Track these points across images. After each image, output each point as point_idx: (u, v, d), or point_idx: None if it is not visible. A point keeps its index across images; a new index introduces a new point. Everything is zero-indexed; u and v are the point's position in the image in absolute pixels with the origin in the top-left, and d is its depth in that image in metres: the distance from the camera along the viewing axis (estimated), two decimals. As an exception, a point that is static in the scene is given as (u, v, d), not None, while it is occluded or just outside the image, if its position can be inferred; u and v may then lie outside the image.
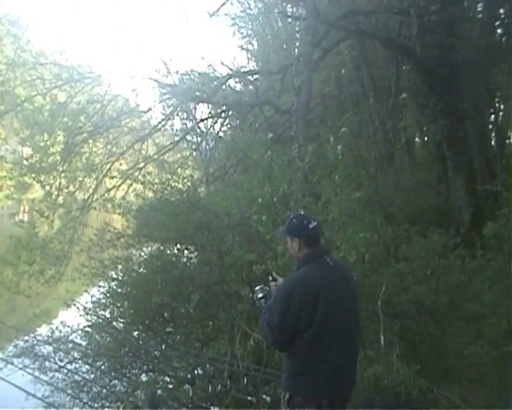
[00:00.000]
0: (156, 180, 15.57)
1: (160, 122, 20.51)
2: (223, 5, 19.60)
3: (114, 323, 12.83)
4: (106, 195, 18.06)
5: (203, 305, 11.30)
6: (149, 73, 25.60)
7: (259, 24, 28.23)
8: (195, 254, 12.91)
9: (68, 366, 11.60)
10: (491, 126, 19.30)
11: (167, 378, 11.32)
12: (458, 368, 8.64)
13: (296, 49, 22.01)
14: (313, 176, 12.24)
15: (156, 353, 11.93)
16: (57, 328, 12.75)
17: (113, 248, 13.74)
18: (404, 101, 18.22)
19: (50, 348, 12.24)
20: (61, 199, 18.23)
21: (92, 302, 13.01)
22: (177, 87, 21.67)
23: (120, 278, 13.17)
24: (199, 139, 23.17)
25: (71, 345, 12.26)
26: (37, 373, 10.99)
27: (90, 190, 18.34)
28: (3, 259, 15.96)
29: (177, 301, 11.82)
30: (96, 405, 10.71)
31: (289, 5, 21.75)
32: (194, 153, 23.52)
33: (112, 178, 18.43)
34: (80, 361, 11.85)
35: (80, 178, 18.81)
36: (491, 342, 8.06)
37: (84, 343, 12.52)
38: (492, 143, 19.21)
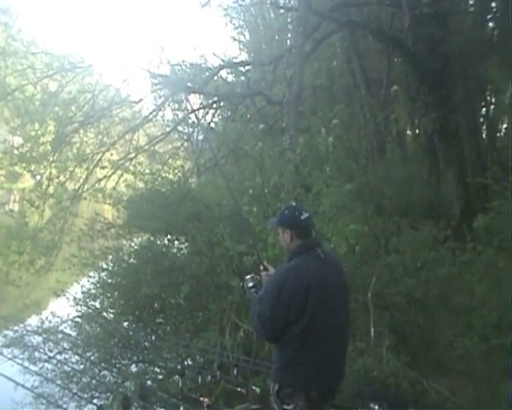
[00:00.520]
0: (147, 171, 15.49)
1: (151, 113, 20.44)
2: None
3: (104, 313, 12.84)
4: (96, 185, 18.04)
5: (193, 296, 11.31)
6: (141, 63, 25.52)
7: (251, 15, 28.22)
8: (186, 244, 12.92)
9: (58, 357, 11.59)
10: (482, 119, 19.33)
11: (157, 369, 11.35)
12: (448, 360, 8.67)
13: (288, 41, 21.92)
14: (304, 167, 12.21)
15: (146, 343, 11.95)
16: (47, 318, 12.78)
17: (104, 239, 13.76)
18: (395, 93, 18.22)
19: (40, 339, 12.26)
20: (51, 189, 18.22)
21: (82, 293, 13.02)
22: (168, 78, 21.60)
23: (110, 268, 13.18)
24: (190, 130, 23.11)
25: (60, 335, 12.27)
26: (26, 364, 10.93)
27: (81, 180, 18.30)
28: (-7, 249, 15.92)
29: (167, 292, 11.84)
30: (85, 395, 10.70)
31: (281, -4, 21.75)
32: (186, 144, 23.48)
33: (103, 168, 18.39)
34: (70, 352, 11.84)
35: (71, 168, 18.75)
36: (481, 334, 8.09)
37: (73, 334, 12.54)
38: (483, 135, 19.25)
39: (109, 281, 12.92)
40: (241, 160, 16.10)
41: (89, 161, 18.70)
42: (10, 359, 10.73)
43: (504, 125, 21.58)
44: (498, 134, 20.88)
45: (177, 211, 11.48)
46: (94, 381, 11.07)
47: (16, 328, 12.92)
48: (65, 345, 11.98)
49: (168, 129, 21.85)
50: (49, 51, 22.72)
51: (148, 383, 10.45)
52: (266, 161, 13.38)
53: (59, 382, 10.85)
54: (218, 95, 20.82)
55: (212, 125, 23.43)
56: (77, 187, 18.22)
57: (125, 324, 12.57)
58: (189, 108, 21.90)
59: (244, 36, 30.32)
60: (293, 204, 5.95)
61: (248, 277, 5.36)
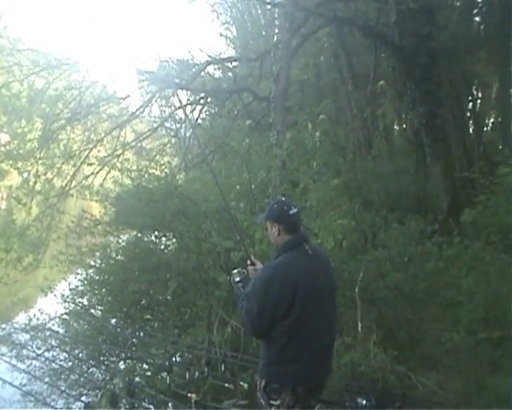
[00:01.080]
0: (134, 167, 15.49)
1: (138, 109, 20.45)
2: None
3: (92, 310, 12.86)
4: (84, 182, 18.01)
5: (181, 292, 11.32)
6: (128, 59, 25.50)
7: (238, 11, 28.28)
8: (173, 241, 12.93)
9: (46, 354, 11.58)
10: (468, 114, 19.38)
11: (145, 366, 11.33)
12: (435, 354, 8.70)
13: (275, 36, 21.95)
14: (291, 163, 12.23)
15: (134, 340, 11.94)
16: (35, 316, 12.73)
17: (91, 236, 13.74)
18: (382, 88, 18.25)
19: (28, 336, 12.24)
20: (38, 186, 18.19)
21: (70, 290, 13.00)
22: (155, 74, 21.62)
23: (98, 265, 13.20)
24: (177, 126, 23.11)
25: (48, 333, 12.23)
26: (14, 361, 10.91)
27: (68, 177, 18.27)
28: (-20, 247, 15.87)
29: (154, 289, 11.85)
30: (73, 393, 10.69)
31: (268, -8, 21.71)
32: (173, 140, 23.46)
33: (90, 164, 18.39)
34: (58, 349, 11.84)
35: (58, 165, 18.75)
36: (468, 328, 8.12)
37: (61, 331, 12.52)
38: (470, 130, 19.31)
39: (97, 278, 12.93)
40: (228, 156, 16.09)
41: (76, 158, 18.70)
42: (-2, 357, 10.74)
43: (491, 120, 21.69)
44: (485, 128, 20.99)
45: (164, 207, 11.46)
46: (82, 378, 11.09)
47: (4, 326, 12.93)
48: (53, 342, 11.96)
49: (155, 125, 21.85)
50: (36, 48, 22.70)
51: (137, 379, 10.44)
52: (253, 157, 13.41)
53: (47, 379, 10.84)
54: (205, 91, 20.85)
55: (200, 121, 23.44)
56: (64, 184, 18.19)
57: (113, 320, 12.56)
58: (177, 104, 21.93)
59: (231, 32, 30.40)
60: (283, 199, 5.92)
61: (235, 271, 5.34)
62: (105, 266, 12.95)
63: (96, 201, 14.74)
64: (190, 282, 11.16)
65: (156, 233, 12.89)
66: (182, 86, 20.45)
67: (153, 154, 21.27)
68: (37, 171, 18.12)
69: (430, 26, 14.39)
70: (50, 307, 13.12)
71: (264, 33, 26.70)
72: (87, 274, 13.21)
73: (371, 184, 14.73)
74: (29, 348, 11.67)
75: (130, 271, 11.86)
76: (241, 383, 8.11)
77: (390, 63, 18.13)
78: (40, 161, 18.21)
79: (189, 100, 21.78)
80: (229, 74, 23.36)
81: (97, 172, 18.29)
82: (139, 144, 20.89)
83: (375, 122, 19.90)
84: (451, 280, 9.28)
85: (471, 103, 19.78)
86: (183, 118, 22.36)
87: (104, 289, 12.62)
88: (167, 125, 23.23)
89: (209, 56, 23.96)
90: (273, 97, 14.32)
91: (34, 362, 11.34)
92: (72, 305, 12.78)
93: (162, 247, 13.03)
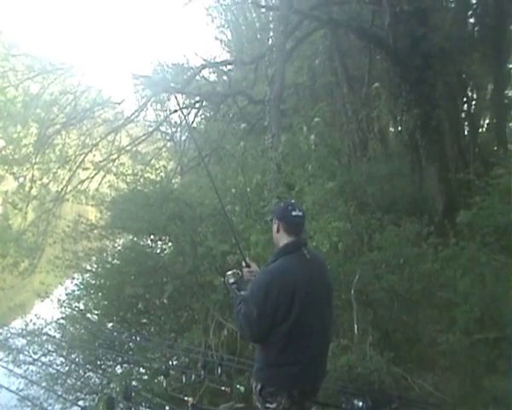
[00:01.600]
0: (130, 171, 15.52)
1: (133, 113, 20.46)
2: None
3: (88, 315, 12.82)
4: (79, 186, 18.03)
5: (177, 296, 11.33)
6: (123, 64, 25.51)
7: (233, 14, 28.33)
8: (169, 244, 12.93)
9: (42, 359, 11.57)
10: (463, 115, 19.37)
11: (142, 370, 11.32)
12: (431, 356, 8.70)
13: (270, 40, 21.98)
14: (286, 166, 12.23)
15: (131, 344, 11.93)
16: (31, 320, 12.73)
17: (87, 240, 13.76)
18: (377, 90, 18.23)
19: (24, 341, 12.22)
20: (34, 191, 18.21)
21: (66, 294, 12.99)
22: (150, 78, 21.62)
23: (94, 269, 13.19)
24: (173, 130, 23.16)
25: (45, 338, 12.22)
26: (11, 366, 10.93)
27: (64, 182, 18.28)
28: (-23, 252, 15.88)
29: (150, 292, 11.85)
30: (70, 397, 10.70)
31: (262, -5, 21.79)
32: (168, 144, 23.51)
33: (85, 169, 18.44)
34: (54, 354, 11.82)
35: (54, 170, 18.76)
36: (464, 329, 8.11)
37: (58, 336, 12.50)
38: (465, 131, 19.31)
39: (93, 282, 12.93)
40: (223, 159, 16.11)
41: (71, 163, 18.73)
42: (-5, 362, 10.73)
43: (486, 121, 21.69)
44: (480, 130, 20.96)
45: (160, 211, 11.49)
46: (79, 383, 11.09)
47: (0, 331, 12.89)
48: (49, 347, 11.96)
49: (151, 129, 21.88)
50: (31, 53, 22.68)
51: (133, 383, 10.44)
52: (249, 160, 13.41)
53: (44, 384, 10.83)
54: (200, 94, 20.88)
55: (195, 124, 23.46)
56: (60, 189, 18.20)
57: (110, 325, 12.55)
58: (172, 108, 21.97)
59: (226, 35, 30.47)
60: (292, 201, 5.99)
61: (229, 273, 5.33)
62: (101, 270, 12.94)
63: (92, 205, 14.78)
64: (186, 285, 11.18)
65: (152, 237, 12.92)
66: (177, 90, 20.45)
67: (148, 158, 21.34)
68: (32, 176, 18.15)
69: (424, 28, 14.42)
70: (47, 311, 13.11)
71: (258, 36, 26.74)
72: (83, 279, 13.23)
73: (366, 186, 14.70)
74: (26, 353, 11.66)
75: (127, 275, 11.85)
76: (238, 386, 8.11)
77: (385, 65, 18.15)
78: (36, 166, 18.24)
79: (184, 104, 21.79)
80: (224, 78, 23.41)
81: (93, 177, 18.33)
82: (134, 148, 20.93)
83: (370, 124, 19.95)
84: (447, 281, 9.28)
85: (466, 105, 19.76)
86: (179, 122, 22.42)
87: (100, 294, 12.62)
88: (162, 129, 23.37)
89: (204, 60, 23.94)
90: (268, 100, 14.33)
91: (31, 367, 11.32)
92: (69, 309, 12.77)
93: (158, 251, 13.03)
